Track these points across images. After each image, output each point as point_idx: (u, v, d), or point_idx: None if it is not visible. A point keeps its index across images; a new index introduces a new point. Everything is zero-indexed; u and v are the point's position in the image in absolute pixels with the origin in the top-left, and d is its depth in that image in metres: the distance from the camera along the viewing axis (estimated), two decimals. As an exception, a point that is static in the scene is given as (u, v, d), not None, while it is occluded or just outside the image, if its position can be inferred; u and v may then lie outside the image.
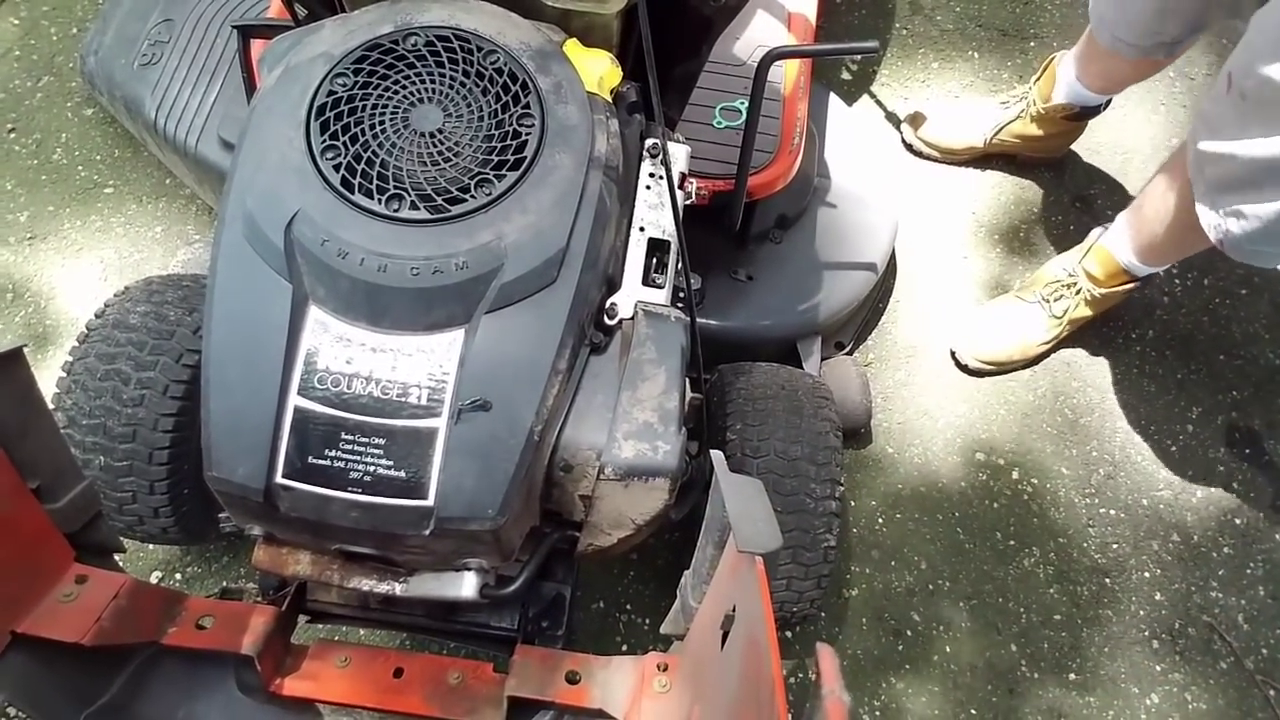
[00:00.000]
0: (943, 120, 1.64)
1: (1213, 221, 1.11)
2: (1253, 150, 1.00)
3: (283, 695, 0.79)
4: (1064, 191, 1.66)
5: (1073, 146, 1.69)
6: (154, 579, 1.25)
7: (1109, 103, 1.52)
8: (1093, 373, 1.50)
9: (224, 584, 1.23)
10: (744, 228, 1.26)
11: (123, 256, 1.51)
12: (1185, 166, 1.14)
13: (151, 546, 1.26)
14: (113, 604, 0.70)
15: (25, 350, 0.65)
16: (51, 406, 0.93)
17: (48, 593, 0.69)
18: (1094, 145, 1.70)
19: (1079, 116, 1.53)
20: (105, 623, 0.69)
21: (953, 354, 1.48)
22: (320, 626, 1.13)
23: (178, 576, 1.26)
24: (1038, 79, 1.55)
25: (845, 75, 1.77)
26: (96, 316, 0.98)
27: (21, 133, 1.62)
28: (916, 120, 1.65)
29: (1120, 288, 1.38)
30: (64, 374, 0.95)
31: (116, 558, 0.80)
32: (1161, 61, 1.35)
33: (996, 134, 1.59)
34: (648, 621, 1.27)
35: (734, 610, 0.57)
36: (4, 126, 1.62)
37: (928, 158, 1.66)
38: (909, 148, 1.67)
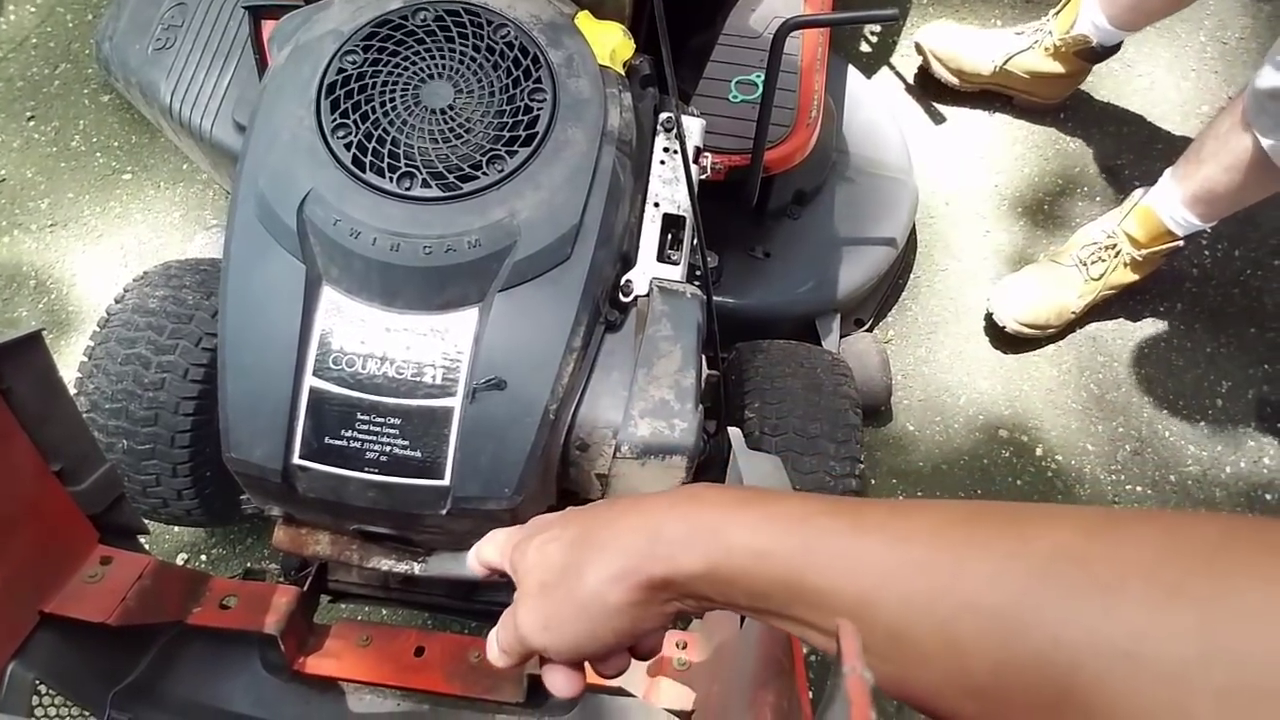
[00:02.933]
0: (955, 42, 1.61)
1: None
2: None
3: (306, 674, 0.80)
4: (1090, 162, 1.62)
5: (1100, 115, 1.65)
6: (180, 561, 1.27)
7: (1119, 46, 1.49)
8: (1119, 347, 1.47)
9: (247, 565, 1.25)
10: (761, 203, 1.25)
11: (142, 242, 1.53)
12: (1245, 113, 1.15)
13: (177, 529, 1.28)
14: (137, 584, 0.71)
15: (46, 335, 0.66)
16: (74, 391, 0.94)
17: (73, 574, 0.70)
18: (1121, 115, 1.66)
19: (1093, 55, 1.50)
20: (130, 603, 0.70)
21: (989, 316, 1.46)
22: (342, 606, 1.14)
23: (203, 558, 1.28)
24: (1058, 10, 1.52)
25: (864, 47, 1.73)
26: (116, 302, 0.99)
27: (40, 120, 1.63)
28: (928, 47, 1.63)
29: (1162, 248, 1.36)
30: (85, 359, 0.95)
31: (141, 540, 0.81)
32: None
33: (1006, 63, 1.56)
34: (667, 600, 1.27)
35: (752, 588, 0.56)
36: (23, 114, 1.63)
37: (942, 79, 1.63)
38: (924, 71, 1.64)
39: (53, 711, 0.65)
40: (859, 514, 0.31)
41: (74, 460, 0.70)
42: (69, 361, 1.28)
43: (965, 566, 0.26)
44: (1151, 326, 1.49)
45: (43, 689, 0.64)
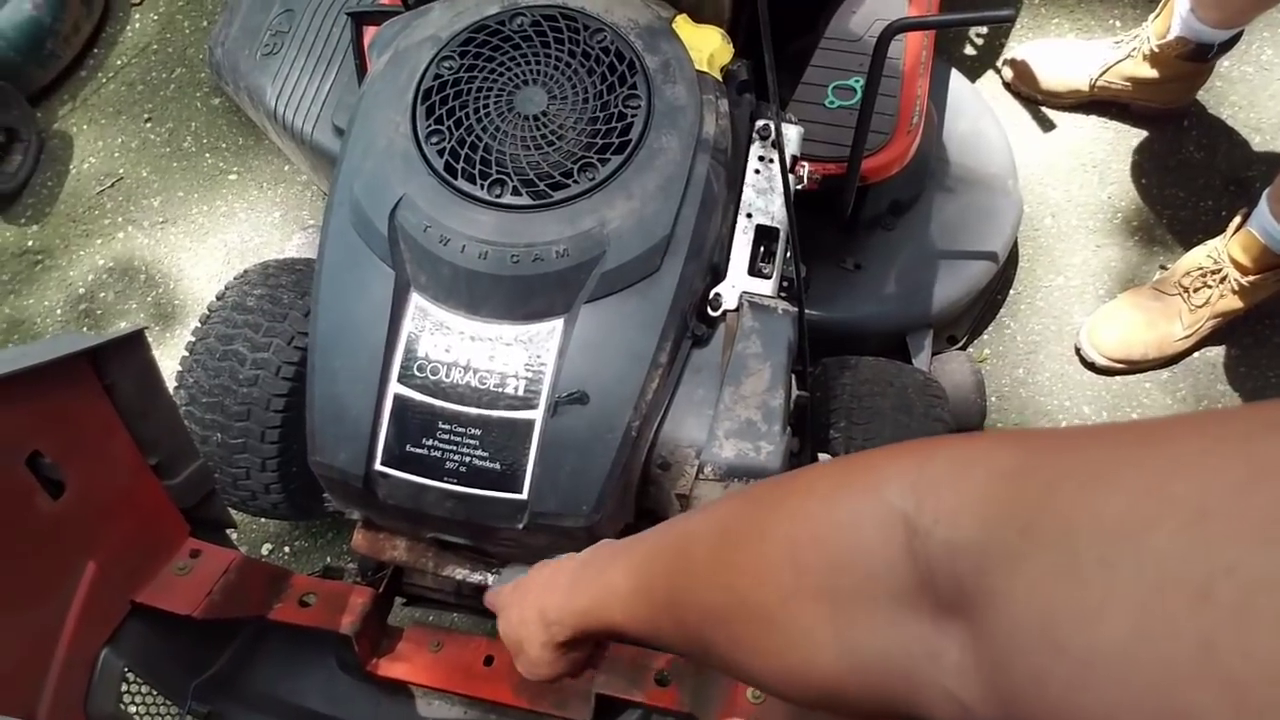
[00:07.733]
0: (1045, 59, 1.51)
1: None
2: None
3: (378, 675, 0.80)
4: (1215, 174, 1.50)
5: (1230, 122, 1.53)
6: (264, 551, 1.31)
7: (1235, 39, 1.35)
8: (1241, 375, 1.35)
9: (327, 559, 1.28)
10: (855, 213, 1.20)
11: (244, 240, 1.59)
12: None
13: (263, 520, 1.32)
14: (223, 579, 0.73)
15: (153, 328, 0.68)
16: (174, 385, 0.97)
17: (164, 565, 0.72)
18: (1253, 122, 1.53)
19: (1196, 56, 1.37)
20: (216, 596, 0.71)
21: (1077, 350, 1.37)
22: (415, 608, 1.15)
23: (286, 550, 1.31)
24: (1156, 14, 1.41)
25: (969, 50, 1.65)
26: (217, 298, 1.02)
27: (156, 122, 1.72)
28: (1018, 66, 1.54)
29: (1271, 273, 1.24)
30: (186, 353, 0.99)
31: (230, 534, 0.83)
32: None
33: (1103, 75, 1.46)
34: (741, 620, 1.23)
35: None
36: (142, 117, 1.73)
37: (1028, 98, 1.55)
38: (1009, 88, 1.57)
39: (139, 699, 0.67)
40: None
41: (170, 455, 0.72)
42: (174, 353, 1.34)
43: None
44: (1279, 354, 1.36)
45: (131, 677, 0.66)
